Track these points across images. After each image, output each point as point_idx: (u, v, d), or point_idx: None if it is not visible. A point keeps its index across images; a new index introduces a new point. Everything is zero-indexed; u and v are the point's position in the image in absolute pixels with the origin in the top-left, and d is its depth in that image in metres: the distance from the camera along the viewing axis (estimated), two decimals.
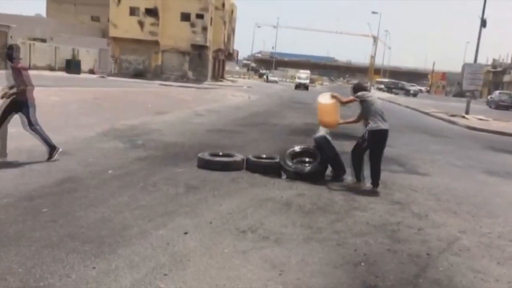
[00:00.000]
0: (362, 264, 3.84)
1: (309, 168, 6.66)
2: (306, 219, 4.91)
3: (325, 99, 6.89)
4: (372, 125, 6.25)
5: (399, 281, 3.58)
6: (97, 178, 6.01)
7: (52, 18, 47.85)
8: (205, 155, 7.16)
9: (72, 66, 35.75)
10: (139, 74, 40.81)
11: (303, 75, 56.74)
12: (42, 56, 36.12)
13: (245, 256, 3.82)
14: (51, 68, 36.33)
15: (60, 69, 36.13)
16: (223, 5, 48.35)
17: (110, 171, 6.41)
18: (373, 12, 62.69)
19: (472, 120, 21.61)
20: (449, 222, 5.29)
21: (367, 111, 6.39)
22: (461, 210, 5.86)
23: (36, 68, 34.47)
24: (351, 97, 6.67)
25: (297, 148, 7.07)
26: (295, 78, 62.50)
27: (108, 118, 12.10)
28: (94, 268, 3.37)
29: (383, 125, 6.31)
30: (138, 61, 43.75)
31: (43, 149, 7.52)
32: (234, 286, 3.28)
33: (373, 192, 6.31)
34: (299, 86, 50.77)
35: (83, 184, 5.67)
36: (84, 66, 38.11)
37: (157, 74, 42.52)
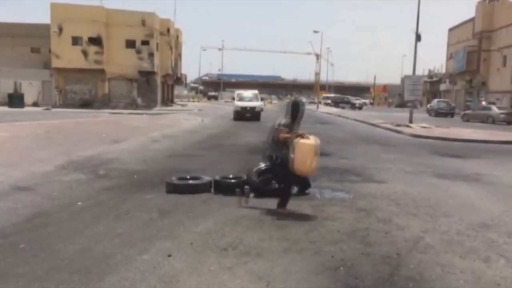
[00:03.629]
0: (341, 268, 4.11)
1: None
2: (281, 232, 5.14)
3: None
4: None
5: (376, 280, 3.87)
6: (67, 211, 5.97)
7: None
8: (173, 180, 7.28)
9: (15, 100, 34.47)
10: (86, 104, 39.95)
11: (249, 93, 30.96)
12: None
13: (231, 271, 3.99)
14: None
15: (1, 104, 34.71)
16: (168, 30, 48.51)
17: (79, 203, 6.38)
18: (315, 31, 65.08)
19: (416, 128, 22.84)
20: (411, 224, 5.69)
21: None
22: (420, 212, 6.31)
23: None
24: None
25: (263, 166, 7.32)
26: (230, 100, 42.79)
27: (64, 151, 11.86)
28: None
29: None
30: (83, 91, 42.84)
31: (5, 187, 7.37)
32: None
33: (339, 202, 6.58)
34: (242, 114, 27.97)
35: (54, 218, 5.63)
36: (28, 99, 36.83)
37: (105, 102, 41.77)
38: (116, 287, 3.60)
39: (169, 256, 4.31)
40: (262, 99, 36.05)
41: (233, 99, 30.74)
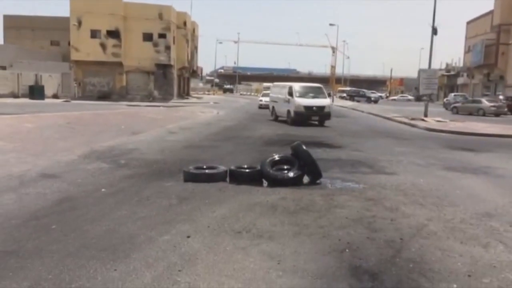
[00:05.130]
0: (347, 250, 4.43)
1: (292, 174, 7.23)
2: (292, 218, 5.47)
3: None
4: None
5: (379, 261, 4.18)
6: (92, 197, 6.39)
7: (11, 44, 47.01)
8: (191, 169, 7.64)
9: (36, 92, 35.26)
10: (104, 96, 40.69)
11: (311, 86, 22.47)
12: (4, 84, 35.61)
13: (245, 251, 4.34)
14: (15, 95, 35.79)
15: (23, 96, 35.59)
16: (185, 23, 48.99)
17: (103, 190, 6.79)
18: (331, 24, 65.42)
19: (431, 122, 22.88)
20: (416, 212, 5.97)
21: None
22: (427, 202, 6.57)
23: None
24: None
25: (276, 157, 7.64)
26: (258, 93, 37.35)
27: (85, 141, 12.35)
28: (115, 270, 3.81)
29: None
30: (102, 83, 43.69)
31: (33, 174, 7.83)
32: (240, 275, 3.80)
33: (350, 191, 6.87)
34: (306, 116, 20.15)
35: (80, 203, 6.04)
36: (48, 91, 37.65)
37: (122, 95, 42.50)
38: (141, 262, 3.98)
39: (188, 237, 4.68)
40: (329, 95, 25.75)
41: (289, 94, 20.66)
